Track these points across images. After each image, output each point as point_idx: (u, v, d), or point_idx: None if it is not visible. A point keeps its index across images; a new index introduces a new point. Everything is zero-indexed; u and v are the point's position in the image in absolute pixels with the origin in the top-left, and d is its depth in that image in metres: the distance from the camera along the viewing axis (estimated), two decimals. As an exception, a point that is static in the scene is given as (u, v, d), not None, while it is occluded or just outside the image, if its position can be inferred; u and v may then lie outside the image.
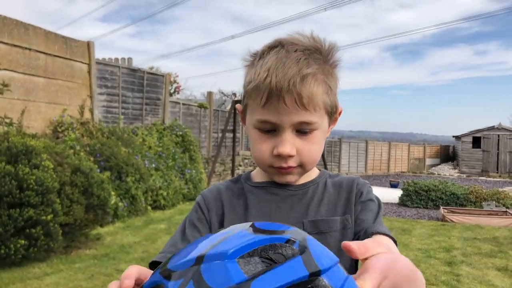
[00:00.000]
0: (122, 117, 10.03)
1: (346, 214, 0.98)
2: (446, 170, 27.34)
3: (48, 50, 7.93)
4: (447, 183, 11.54)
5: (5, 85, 6.56)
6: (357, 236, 0.94)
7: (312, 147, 0.94)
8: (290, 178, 0.97)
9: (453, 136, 32.61)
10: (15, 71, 7.20)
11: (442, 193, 10.96)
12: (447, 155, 32.34)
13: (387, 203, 11.55)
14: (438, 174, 24.87)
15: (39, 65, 7.73)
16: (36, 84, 7.68)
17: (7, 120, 6.48)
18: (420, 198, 11.20)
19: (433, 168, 28.67)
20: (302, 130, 0.91)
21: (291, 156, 0.92)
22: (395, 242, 0.89)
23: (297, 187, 1.00)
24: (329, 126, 0.99)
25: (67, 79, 8.41)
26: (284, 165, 0.93)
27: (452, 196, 10.86)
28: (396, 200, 11.80)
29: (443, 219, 8.97)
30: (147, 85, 10.99)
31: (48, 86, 7.95)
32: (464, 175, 24.72)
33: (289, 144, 0.90)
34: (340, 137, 23.66)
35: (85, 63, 8.92)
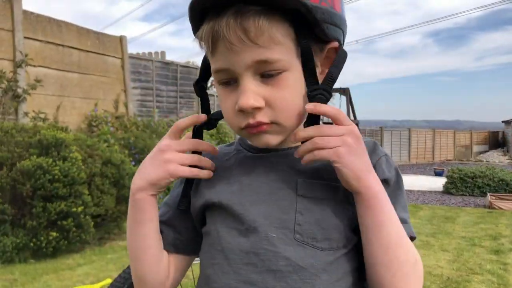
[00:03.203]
0: (156, 110, 10.10)
1: None
2: (496, 157, 26.13)
3: (81, 46, 8.05)
4: (495, 169, 10.93)
5: (38, 80, 6.69)
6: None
7: (285, 93, 0.73)
8: (268, 139, 0.77)
9: (502, 121, 31.16)
10: (49, 68, 7.35)
11: (490, 180, 10.38)
12: (497, 141, 30.95)
13: (430, 191, 11.11)
14: (487, 161, 23.74)
15: (73, 61, 7.86)
16: (70, 80, 7.81)
17: (42, 115, 6.61)
18: (465, 185, 10.66)
19: (481, 155, 27.49)
20: (265, 73, 0.72)
21: (257, 109, 0.73)
22: (412, 238, 0.80)
23: (292, 148, 0.82)
24: (320, 68, 0.78)
25: (100, 74, 8.52)
26: (252, 121, 0.74)
27: (500, 182, 10.26)
28: (440, 188, 11.32)
29: (490, 206, 8.50)
30: (180, 78, 11.02)
31: (82, 81, 8.08)
32: (515, 162, 23.54)
33: (251, 93, 0.72)
34: (381, 127, 23.00)
35: (118, 58, 9.01)
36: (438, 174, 15.83)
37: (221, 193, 0.83)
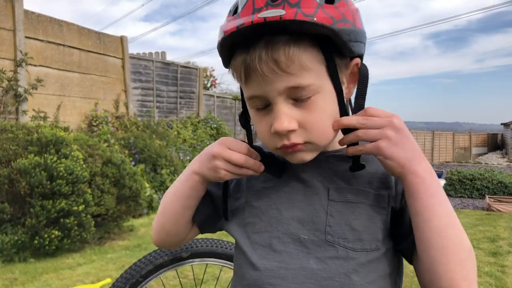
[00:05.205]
0: (155, 110, 10.12)
1: (383, 191, 0.82)
2: (494, 159, 26.16)
3: (82, 46, 8.07)
4: (493, 171, 10.96)
5: (39, 80, 6.71)
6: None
7: (316, 115, 0.76)
8: (302, 156, 0.80)
9: (501, 124, 31.19)
10: (50, 67, 7.37)
11: (489, 182, 10.42)
12: (495, 143, 30.98)
13: (429, 193, 11.13)
14: (486, 164, 23.76)
15: (73, 61, 7.88)
16: (70, 79, 7.83)
17: (42, 115, 6.63)
18: (464, 187, 10.69)
19: (480, 157, 27.51)
20: (298, 98, 0.76)
21: (292, 131, 0.76)
22: None
23: (326, 153, 0.87)
24: (346, 84, 0.82)
25: (101, 74, 8.54)
26: (287, 142, 0.77)
27: (499, 185, 10.29)
28: (439, 190, 11.32)
29: (488, 209, 8.52)
30: (181, 79, 11.04)
31: (83, 81, 8.10)
32: (514, 164, 23.54)
33: (285, 116, 0.75)
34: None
35: (119, 58, 9.03)
36: (437, 175, 15.82)
37: (260, 198, 0.89)
